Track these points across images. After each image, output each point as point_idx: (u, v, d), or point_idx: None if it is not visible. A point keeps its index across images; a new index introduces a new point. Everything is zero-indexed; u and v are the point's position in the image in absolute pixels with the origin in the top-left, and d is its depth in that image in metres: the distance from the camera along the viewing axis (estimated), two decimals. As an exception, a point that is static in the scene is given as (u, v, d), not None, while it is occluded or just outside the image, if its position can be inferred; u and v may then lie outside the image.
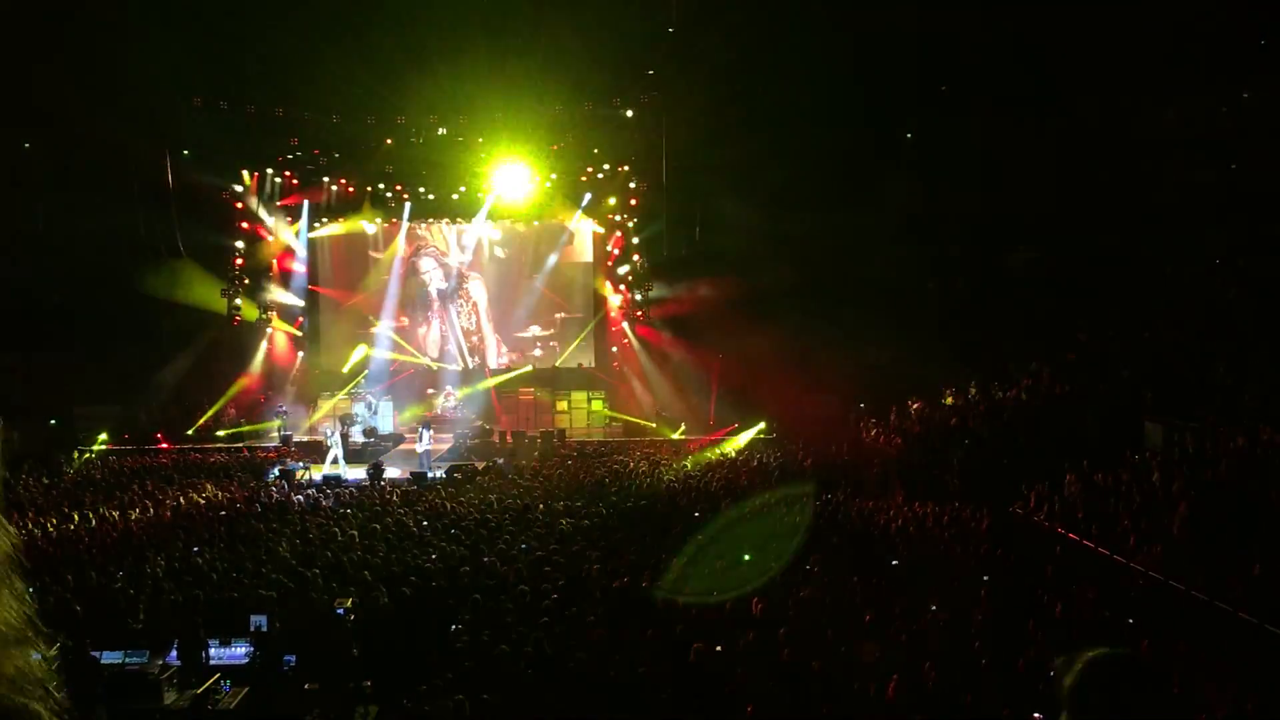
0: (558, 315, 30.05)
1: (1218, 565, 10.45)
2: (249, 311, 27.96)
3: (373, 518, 15.48)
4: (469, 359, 30.25)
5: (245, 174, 27.88)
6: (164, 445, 25.30)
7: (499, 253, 30.20)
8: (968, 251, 27.11)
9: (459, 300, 30.30)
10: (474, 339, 30.41)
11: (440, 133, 27.09)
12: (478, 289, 30.31)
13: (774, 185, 24.92)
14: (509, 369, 29.83)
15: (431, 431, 23.72)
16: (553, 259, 29.82)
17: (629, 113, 26.78)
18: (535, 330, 30.10)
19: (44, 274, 25.85)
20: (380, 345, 29.61)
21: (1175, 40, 21.92)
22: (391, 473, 21.48)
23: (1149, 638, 8.75)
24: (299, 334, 29.68)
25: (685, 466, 21.47)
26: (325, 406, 27.90)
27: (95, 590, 11.21)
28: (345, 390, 28.21)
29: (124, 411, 26.10)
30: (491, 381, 29.26)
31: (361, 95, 25.03)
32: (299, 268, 29.41)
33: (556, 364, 29.83)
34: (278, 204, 28.77)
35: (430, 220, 29.82)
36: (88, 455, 23.86)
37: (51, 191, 26.15)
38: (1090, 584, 11.04)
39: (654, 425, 27.02)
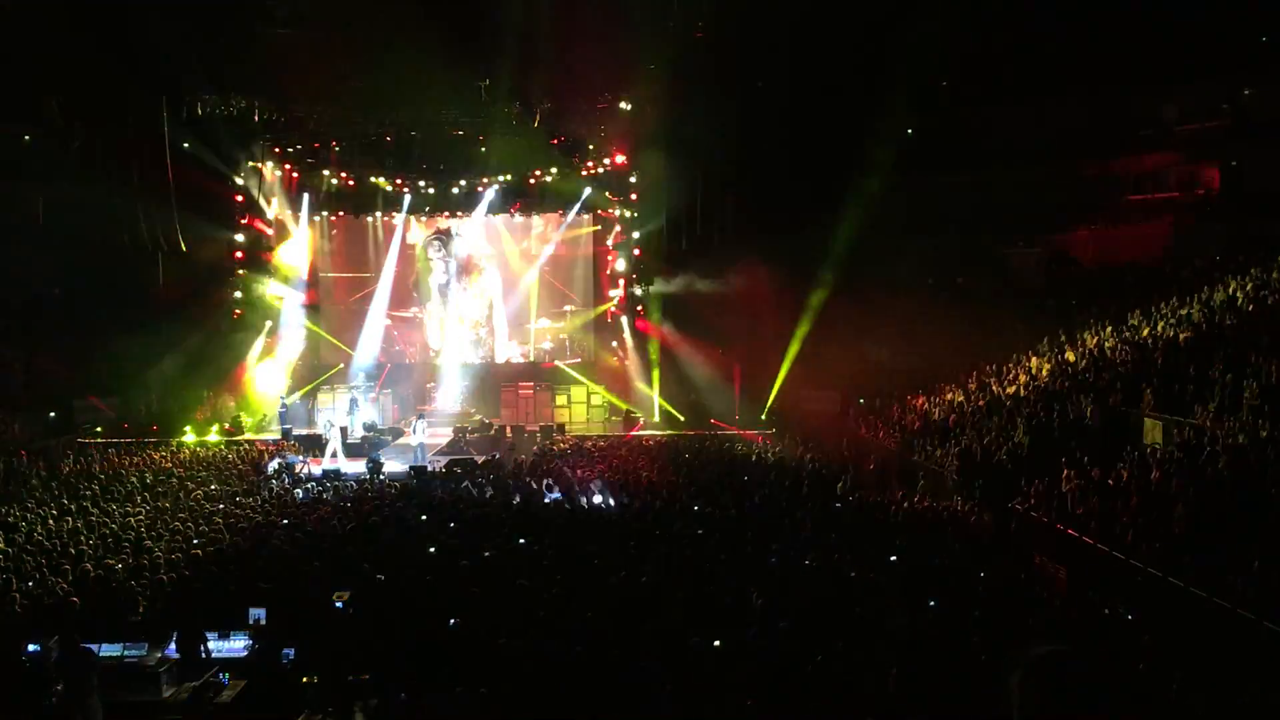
0: (566, 308, 30.06)
1: (1217, 562, 10.43)
2: (249, 307, 28.00)
3: (370, 511, 15.46)
4: (477, 351, 30.22)
5: (247, 166, 27.80)
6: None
7: (505, 245, 30.14)
8: (970, 246, 27.06)
9: (470, 293, 30.24)
10: (481, 331, 30.36)
11: (440, 126, 27.01)
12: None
13: (774, 179, 24.88)
14: (517, 360, 29.86)
15: (426, 423, 23.63)
16: (553, 252, 29.79)
17: (627, 106, 26.68)
18: (545, 323, 30.14)
19: (44, 267, 25.82)
20: (379, 338, 29.55)
21: (1176, 35, 21.87)
22: (391, 467, 21.34)
23: (1148, 634, 8.75)
24: (299, 327, 29.59)
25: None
26: (325, 400, 27.92)
27: (94, 583, 11.20)
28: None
29: (123, 404, 26.05)
30: (491, 375, 29.28)
31: (362, 88, 24.93)
32: (299, 260, 29.32)
33: (557, 361, 29.80)
34: (278, 196, 28.66)
35: (430, 213, 29.74)
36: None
37: (52, 184, 26.10)
38: (1088, 580, 11.05)
39: (655, 419, 26.99)
